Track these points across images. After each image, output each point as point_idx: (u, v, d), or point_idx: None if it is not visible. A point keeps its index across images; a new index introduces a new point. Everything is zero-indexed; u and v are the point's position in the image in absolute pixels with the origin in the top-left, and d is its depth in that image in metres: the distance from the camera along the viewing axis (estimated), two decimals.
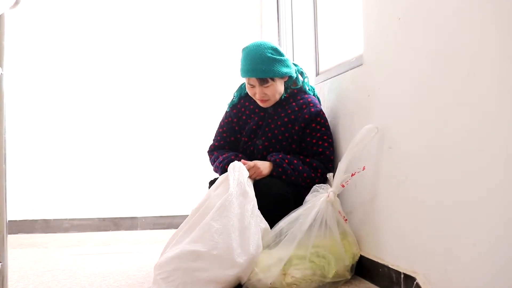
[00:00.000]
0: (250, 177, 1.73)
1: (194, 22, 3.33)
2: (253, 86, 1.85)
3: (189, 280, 1.45)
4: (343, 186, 1.63)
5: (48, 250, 2.38)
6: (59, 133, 3.12)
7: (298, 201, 1.70)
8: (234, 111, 1.99)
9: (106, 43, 3.22)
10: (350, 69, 1.82)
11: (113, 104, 3.20)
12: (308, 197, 1.65)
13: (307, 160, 1.85)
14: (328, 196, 1.59)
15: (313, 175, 1.82)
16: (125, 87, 3.22)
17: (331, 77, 2.02)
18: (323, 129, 1.88)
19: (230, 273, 1.47)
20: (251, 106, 1.96)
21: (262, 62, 1.79)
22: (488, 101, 1.03)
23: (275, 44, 1.89)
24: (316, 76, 2.37)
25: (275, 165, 1.81)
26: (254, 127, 1.93)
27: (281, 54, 1.85)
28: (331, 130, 1.94)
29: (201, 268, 1.46)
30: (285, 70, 1.84)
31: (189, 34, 3.32)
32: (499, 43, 1.00)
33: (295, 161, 1.82)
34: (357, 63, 1.77)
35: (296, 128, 1.87)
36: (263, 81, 1.81)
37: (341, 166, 1.61)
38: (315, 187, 1.67)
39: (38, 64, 3.12)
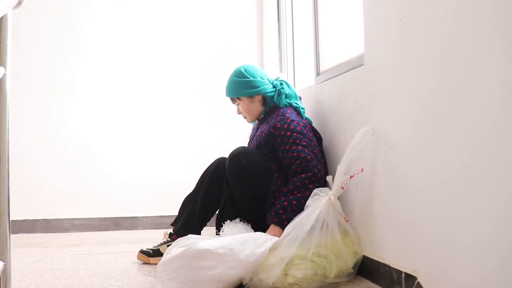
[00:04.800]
0: None
1: (195, 20, 3.34)
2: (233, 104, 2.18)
3: (193, 278, 1.46)
4: (342, 188, 1.63)
5: (49, 250, 2.38)
6: (60, 133, 3.12)
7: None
8: (250, 131, 2.33)
9: (109, 47, 3.22)
10: (351, 69, 1.83)
11: (114, 104, 3.20)
12: (309, 202, 1.66)
13: (291, 186, 1.81)
14: (330, 199, 1.60)
15: (307, 193, 1.72)
16: (126, 87, 3.22)
17: (332, 77, 2.02)
18: (294, 134, 1.88)
19: (233, 273, 1.48)
20: (254, 126, 2.25)
21: (229, 85, 2.10)
22: (488, 101, 1.03)
23: (249, 67, 2.09)
24: (317, 76, 2.37)
25: (278, 224, 1.77)
26: (249, 140, 2.23)
27: (245, 77, 2.05)
28: (332, 130, 1.94)
29: (206, 267, 1.46)
30: (246, 90, 2.04)
31: (190, 35, 3.32)
32: (499, 44, 1.00)
33: (286, 203, 1.78)
34: (358, 63, 1.77)
35: (264, 136, 1.98)
36: (232, 100, 2.12)
37: (340, 169, 1.62)
38: (315, 191, 1.67)
39: (38, 63, 3.13)
